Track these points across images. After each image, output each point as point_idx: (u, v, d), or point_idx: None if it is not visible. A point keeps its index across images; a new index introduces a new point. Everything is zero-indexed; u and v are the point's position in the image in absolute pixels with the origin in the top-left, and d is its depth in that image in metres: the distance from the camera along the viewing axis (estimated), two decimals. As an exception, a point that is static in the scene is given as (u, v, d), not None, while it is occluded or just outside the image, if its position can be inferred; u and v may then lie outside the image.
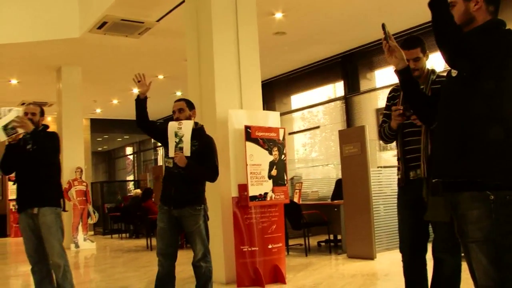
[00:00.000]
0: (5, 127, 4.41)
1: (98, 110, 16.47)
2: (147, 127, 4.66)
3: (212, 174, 4.47)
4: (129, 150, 23.03)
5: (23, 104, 14.89)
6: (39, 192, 4.58)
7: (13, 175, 4.80)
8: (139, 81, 4.62)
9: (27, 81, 12.39)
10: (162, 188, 4.61)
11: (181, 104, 4.57)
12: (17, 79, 12.26)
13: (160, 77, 12.46)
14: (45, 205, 4.58)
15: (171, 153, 4.36)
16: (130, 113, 17.42)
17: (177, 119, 4.46)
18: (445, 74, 3.00)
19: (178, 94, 14.31)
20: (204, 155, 4.41)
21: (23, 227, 4.65)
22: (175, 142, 4.33)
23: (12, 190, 15.89)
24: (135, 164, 22.03)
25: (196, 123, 4.54)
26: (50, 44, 9.65)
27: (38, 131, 4.68)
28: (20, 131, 4.49)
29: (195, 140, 4.36)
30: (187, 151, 4.29)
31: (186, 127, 4.34)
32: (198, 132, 4.48)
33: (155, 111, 17.13)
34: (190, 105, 4.61)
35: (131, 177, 21.69)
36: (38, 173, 4.61)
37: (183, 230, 4.50)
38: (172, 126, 4.39)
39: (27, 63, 10.98)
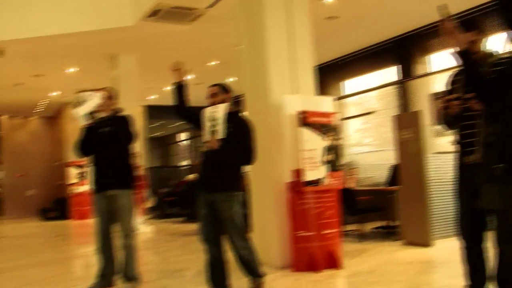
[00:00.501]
0: (87, 113, 4.64)
1: (153, 97, 16.73)
2: (184, 115, 4.70)
3: (247, 157, 4.43)
4: (182, 136, 23.36)
5: (79, 92, 15.30)
6: (117, 175, 4.76)
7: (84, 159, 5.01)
8: (177, 70, 4.63)
9: (83, 69, 12.71)
10: (199, 174, 4.67)
11: (214, 89, 4.59)
12: (74, 67, 12.60)
13: (213, 63, 12.53)
14: (122, 188, 4.77)
15: (205, 138, 4.40)
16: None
17: (212, 104, 4.48)
18: (507, 55, 2.91)
19: (231, 80, 14.36)
20: (239, 138, 4.38)
21: (98, 208, 4.84)
22: (209, 126, 4.36)
23: (72, 174, 16.48)
24: (189, 150, 22.33)
25: (231, 107, 4.51)
26: (105, 33, 9.86)
27: (114, 114, 4.87)
28: (100, 115, 4.71)
29: (230, 123, 4.34)
30: (220, 135, 4.29)
31: (220, 111, 4.35)
32: (233, 115, 4.46)
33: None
34: (224, 89, 4.62)
35: (185, 163, 22.00)
36: (115, 156, 4.78)
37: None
38: (206, 111, 4.43)
39: (83, 52, 11.27)
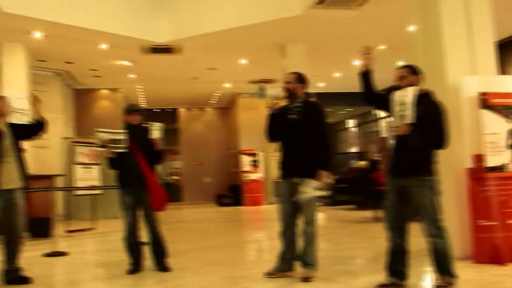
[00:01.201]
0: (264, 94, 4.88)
1: (321, 84, 16.80)
2: (374, 99, 4.65)
3: (439, 141, 4.22)
4: (351, 122, 23.17)
5: (251, 82, 15.89)
6: (304, 163, 4.85)
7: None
8: (366, 54, 4.58)
9: (253, 60, 13.16)
10: (390, 159, 4.54)
11: (402, 71, 4.46)
12: (246, 59, 13.08)
13: (381, 47, 12.22)
14: (308, 177, 4.85)
15: (394, 122, 4.28)
16: (352, 86, 17.40)
17: (399, 87, 4.35)
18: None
19: (400, 63, 13.89)
20: (430, 121, 4.20)
21: (283, 193, 4.98)
22: (398, 110, 4.24)
23: (245, 162, 17.18)
24: (358, 136, 22.09)
25: (421, 89, 4.34)
26: (274, 23, 10.09)
27: (302, 101, 4.99)
28: (278, 101, 4.93)
29: (420, 106, 4.18)
30: (409, 119, 4.15)
31: (409, 94, 4.20)
32: (424, 98, 4.29)
33: (377, 81, 16.93)
34: (413, 71, 4.45)
35: (354, 149, 21.83)
36: (302, 144, 4.88)
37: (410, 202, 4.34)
38: (395, 94, 4.30)
39: (254, 43, 11.65)
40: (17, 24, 9.66)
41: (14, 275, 5.29)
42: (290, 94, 5.05)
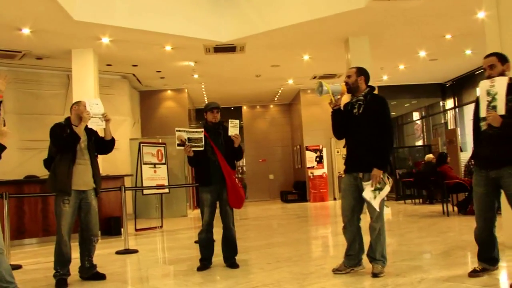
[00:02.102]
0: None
1: (385, 77, 16.53)
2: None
3: None
4: (416, 115, 22.66)
5: (314, 78, 15.83)
6: (367, 157, 4.80)
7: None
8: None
9: (317, 55, 13.07)
10: (475, 151, 4.50)
11: (492, 59, 4.31)
12: (309, 54, 13.02)
13: (448, 36, 11.87)
14: (368, 171, 4.80)
15: (483, 113, 4.13)
16: (417, 78, 17.16)
17: (489, 77, 4.21)
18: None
19: (468, 52, 13.47)
20: None
21: (345, 187, 4.95)
22: (487, 101, 4.08)
23: (310, 158, 17.14)
24: (424, 129, 21.59)
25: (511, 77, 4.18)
26: (337, 17, 9.99)
27: (365, 94, 4.96)
28: (338, 97, 4.92)
29: (510, 95, 4.04)
30: (501, 110, 4.00)
31: (500, 84, 4.04)
32: None
33: (444, 72, 16.49)
34: (503, 59, 4.29)
35: (419, 142, 21.35)
36: (365, 138, 4.84)
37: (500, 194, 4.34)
38: (483, 84, 4.15)
39: (317, 38, 11.58)
40: (86, 31, 10.01)
41: (90, 271, 5.52)
42: (352, 89, 5.00)
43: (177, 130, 5.66)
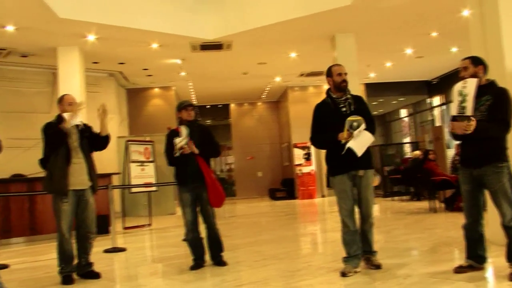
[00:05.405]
0: None
1: (372, 75, 16.58)
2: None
3: (502, 128, 4.25)
4: (403, 112, 22.79)
5: (301, 75, 15.85)
6: (367, 156, 4.85)
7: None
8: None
9: (304, 53, 13.08)
10: (460, 151, 4.64)
11: (465, 62, 4.48)
12: (295, 52, 13.03)
13: (433, 34, 11.94)
14: (370, 168, 4.88)
15: (453, 112, 4.32)
16: (404, 75, 17.23)
17: (463, 78, 4.38)
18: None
19: (454, 50, 13.56)
20: (495, 108, 4.23)
21: (344, 188, 4.89)
22: (459, 101, 4.26)
23: (298, 156, 17.17)
24: (411, 126, 21.72)
25: (487, 79, 4.41)
26: (323, 15, 9.99)
27: (350, 94, 5.03)
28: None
29: (487, 95, 4.25)
30: (469, 111, 4.17)
31: (470, 85, 4.22)
32: (488, 87, 4.33)
33: (430, 69, 16.59)
34: (476, 62, 4.44)
35: (407, 139, 21.47)
36: None
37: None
38: (456, 85, 4.34)
39: (302, 36, 11.57)
40: (71, 29, 9.93)
41: (85, 269, 5.51)
42: (346, 87, 5.01)
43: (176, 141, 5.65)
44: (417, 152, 13.30)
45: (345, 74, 5.01)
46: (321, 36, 11.49)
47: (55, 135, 5.30)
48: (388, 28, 11.22)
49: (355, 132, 4.70)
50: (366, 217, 4.96)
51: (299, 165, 17.28)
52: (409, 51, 13.46)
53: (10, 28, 9.62)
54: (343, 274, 4.78)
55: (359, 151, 4.75)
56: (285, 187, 18.74)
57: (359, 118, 4.77)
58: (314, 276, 4.92)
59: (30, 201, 9.23)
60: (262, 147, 21.01)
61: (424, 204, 11.49)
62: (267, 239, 8.06)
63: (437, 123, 18.28)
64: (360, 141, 4.75)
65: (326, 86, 5.23)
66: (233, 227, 10.12)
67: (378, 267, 4.93)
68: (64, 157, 5.29)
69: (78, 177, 5.39)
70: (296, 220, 11.63)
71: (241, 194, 20.50)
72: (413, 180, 12.14)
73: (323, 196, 17.17)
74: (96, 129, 5.70)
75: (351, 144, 4.71)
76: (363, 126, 4.74)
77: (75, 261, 5.50)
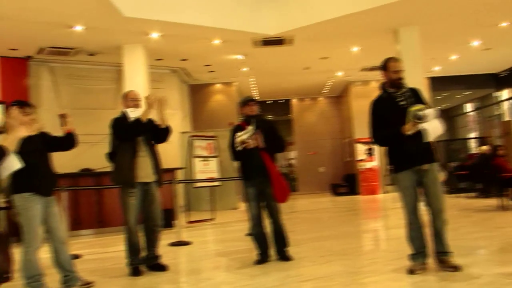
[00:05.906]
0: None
1: (437, 68, 16.15)
2: None
3: None
4: (469, 106, 22.09)
5: (363, 69, 15.63)
6: (430, 150, 4.73)
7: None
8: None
9: (366, 47, 12.89)
10: None
11: None
12: (357, 46, 12.86)
13: (503, 24, 11.49)
14: (435, 161, 4.74)
15: None
16: (470, 68, 16.75)
17: None
18: None
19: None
20: None
21: (409, 184, 4.74)
22: None
23: (360, 151, 16.99)
24: (477, 121, 21.05)
25: None
26: (386, 8, 9.80)
27: (407, 88, 4.90)
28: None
29: None
30: None
31: None
32: None
33: (498, 62, 16.00)
34: None
35: (472, 134, 20.82)
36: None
37: None
38: None
39: (366, 29, 11.39)
40: (135, 27, 10.17)
41: (152, 261, 5.64)
42: (401, 84, 4.88)
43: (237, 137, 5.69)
44: (485, 148, 12.87)
45: (401, 70, 4.85)
46: (384, 29, 11.28)
47: (132, 125, 5.44)
48: (455, 19, 10.89)
49: (426, 112, 4.55)
50: (437, 213, 4.68)
51: (361, 160, 17.08)
52: (476, 43, 13.02)
53: (78, 28, 9.95)
54: (411, 272, 4.66)
55: (433, 135, 4.61)
56: (347, 182, 18.56)
57: (422, 106, 4.62)
58: (379, 273, 4.85)
59: (98, 194, 9.55)
60: (323, 143, 20.86)
61: (492, 201, 11.12)
62: (330, 235, 8.01)
63: (506, 117, 17.62)
64: (433, 126, 4.61)
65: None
66: (295, 222, 10.10)
67: (455, 268, 4.62)
68: (132, 150, 5.43)
69: (144, 170, 5.50)
70: (358, 216, 11.52)
71: (302, 189, 20.45)
72: (481, 176, 11.76)
73: (386, 192, 16.90)
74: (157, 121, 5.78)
75: (426, 125, 4.56)
76: (431, 110, 4.59)
77: (143, 254, 5.63)
